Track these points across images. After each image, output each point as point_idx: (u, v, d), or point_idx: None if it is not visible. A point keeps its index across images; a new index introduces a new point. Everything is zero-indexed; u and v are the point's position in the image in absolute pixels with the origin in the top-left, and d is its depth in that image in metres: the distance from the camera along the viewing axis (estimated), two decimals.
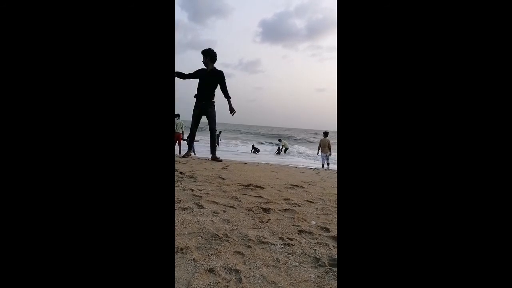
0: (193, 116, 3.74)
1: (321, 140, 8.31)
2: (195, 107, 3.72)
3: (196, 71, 3.79)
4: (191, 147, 3.92)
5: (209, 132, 3.78)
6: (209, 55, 3.68)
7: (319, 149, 8.36)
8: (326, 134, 8.31)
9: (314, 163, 9.02)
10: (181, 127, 8.18)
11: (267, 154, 13.66)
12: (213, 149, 3.75)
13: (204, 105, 3.66)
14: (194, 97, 3.78)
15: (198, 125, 3.80)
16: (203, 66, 3.74)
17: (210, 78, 3.71)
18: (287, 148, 14.01)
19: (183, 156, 3.61)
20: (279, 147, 14.26)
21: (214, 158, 3.62)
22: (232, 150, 14.87)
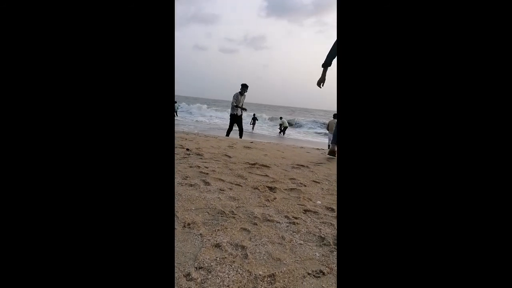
0: None
1: (329, 121, 8.39)
2: None
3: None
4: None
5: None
6: None
7: (328, 130, 8.47)
8: (335, 116, 8.37)
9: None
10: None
11: (267, 133, 13.63)
12: None
13: None
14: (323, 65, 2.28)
15: None
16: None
17: None
18: (286, 127, 14.12)
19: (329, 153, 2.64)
20: (281, 126, 14.31)
21: None
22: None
